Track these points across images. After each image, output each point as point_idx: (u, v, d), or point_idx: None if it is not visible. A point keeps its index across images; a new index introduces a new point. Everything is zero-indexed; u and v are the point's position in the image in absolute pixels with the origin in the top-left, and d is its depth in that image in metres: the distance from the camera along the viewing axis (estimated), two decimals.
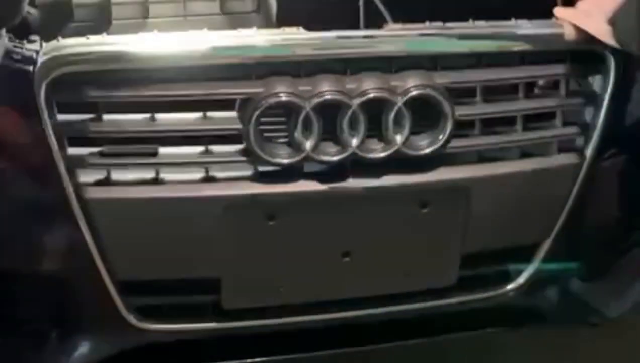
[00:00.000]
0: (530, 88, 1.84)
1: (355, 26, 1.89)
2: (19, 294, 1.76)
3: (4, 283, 1.73)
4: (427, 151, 1.75)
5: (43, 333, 1.79)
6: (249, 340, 1.86)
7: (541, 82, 1.86)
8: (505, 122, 1.84)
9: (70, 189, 1.67)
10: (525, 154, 1.84)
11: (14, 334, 1.77)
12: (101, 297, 1.74)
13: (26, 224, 1.71)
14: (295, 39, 1.71)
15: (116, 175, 1.70)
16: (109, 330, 1.78)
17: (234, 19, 2.25)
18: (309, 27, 1.72)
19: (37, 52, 1.64)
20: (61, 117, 1.66)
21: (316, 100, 1.68)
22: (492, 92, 1.80)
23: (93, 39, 1.67)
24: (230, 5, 2.20)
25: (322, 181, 1.74)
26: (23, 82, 1.63)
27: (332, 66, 1.71)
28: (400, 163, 1.76)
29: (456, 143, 1.77)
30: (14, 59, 1.63)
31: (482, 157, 1.83)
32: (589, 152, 1.87)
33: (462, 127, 1.78)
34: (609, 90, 1.83)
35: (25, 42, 1.65)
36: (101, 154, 1.69)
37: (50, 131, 1.65)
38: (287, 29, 1.72)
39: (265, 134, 1.71)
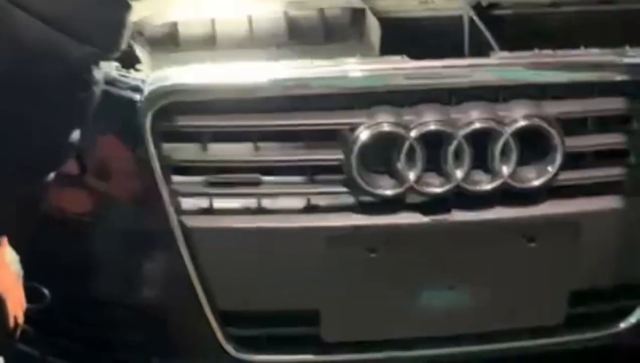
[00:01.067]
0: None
1: (461, 55, 1.85)
2: (121, 322, 1.77)
3: (108, 311, 1.75)
4: (536, 183, 1.70)
5: (144, 361, 1.79)
6: None
7: None
8: (617, 155, 1.77)
9: (173, 218, 1.68)
10: (636, 188, 1.77)
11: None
12: (201, 327, 1.73)
13: (130, 252, 1.72)
14: (399, 67, 1.68)
15: (219, 204, 1.70)
16: (208, 359, 1.77)
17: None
18: (413, 56, 1.69)
19: (144, 81, 1.65)
20: (166, 146, 1.67)
21: (420, 130, 1.65)
22: (603, 123, 1.74)
23: (197, 68, 1.67)
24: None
25: (425, 213, 1.70)
26: (129, 111, 1.65)
27: (436, 95, 1.68)
28: (506, 195, 1.72)
29: (566, 175, 1.71)
30: (121, 88, 1.65)
31: (592, 191, 1.76)
32: None
33: (572, 160, 1.72)
34: None
35: (132, 71, 1.67)
36: (204, 183, 1.69)
37: (155, 160, 1.65)
38: (391, 58, 1.69)
39: (368, 165, 1.68)
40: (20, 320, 1.33)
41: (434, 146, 1.68)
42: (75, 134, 1.51)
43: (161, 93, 1.65)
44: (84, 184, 1.70)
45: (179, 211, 1.68)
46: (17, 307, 1.32)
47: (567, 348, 1.87)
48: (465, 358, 1.83)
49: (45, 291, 1.56)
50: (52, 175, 1.28)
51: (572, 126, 1.72)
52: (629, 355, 1.92)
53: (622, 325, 1.85)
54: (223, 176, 1.69)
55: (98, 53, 1.19)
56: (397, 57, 1.69)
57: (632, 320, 1.85)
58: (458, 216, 1.71)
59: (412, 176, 1.67)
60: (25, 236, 1.36)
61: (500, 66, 1.71)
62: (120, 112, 1.66)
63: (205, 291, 1.71)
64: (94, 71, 1.29)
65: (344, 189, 1.69)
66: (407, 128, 1.66)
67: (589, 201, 1.75)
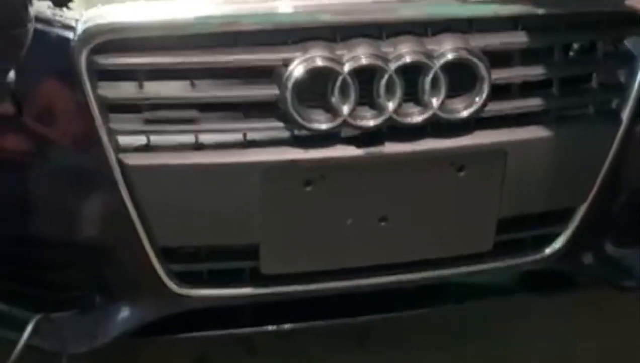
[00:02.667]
0: (566, 51, 1.84)
1: None
2: (62, 262, 1.79)
3: (49, 251, 1.76)
4: (464, 114, 1.75)
5: (85, 300, 1.81)
6: (286, 306, 1.87)
7: (576, 45, 1.85)
8: (542, 86, 1.83)
9: (112, 157, 1.69)
10: (561, 117, 1.84)
11: (58, 302, 1.79)
12: (142, 264, 1.76)
13: (69, 192, 1.73)
14: (331, 3, 1.71)
15: (156, 141, 1.72)
16: (149, 296, 1.80)
17: None
18: None
19: (77, 20, 1.65)
20: (102, 84, 1.67)
21: (353, 64, 1.69)
22: (529, 55, 1.80)
23: (131, 5, 1.68)
24: None
25: (358, 146, 1.74)
26: (64, 50, 1.64)
27: (368, 30, 1.72)
28: (437, 127, 1.77)
29: (493, 106, 1.77)
30: (55, 26, 1.64)
31: (519, 121, 1.82)
32: (625, 116, 1.86)
33: (499, 91, 1.78)
34: None
35: (65, 9, 1.66)
36: (141, 121, 1.70)
37: (91, 98, 1.66)
38: None
39: (302, 100, 1.72)
40: None
41: (366, 80, 1.72)
42: (11, 74, 1.50)
43: (95, 31, 1.65)
44: (21, 125, 1.69)
45: (117, 149, 1.70)
46: None
47: (495, 274, 1.94)
48: (397, 287, 1.89)
49: None
50: None
51: (498, 58, 1.77)
52: (555, 280, 2.01)
53: (548, 250, 1.94)
54: (160, 113, 1.71)
55: None
56: None
57: (556, 245, 1.94)
58: (390, 148, 1.75)
59: (345, 109, 1.71)
60: None
61: (428, 1, 1.75)
62: (54, 51, 1.66)
63: (145, 228, 1.73)
64: (29, 8, 1.29)
65: (280, 123, 1.72)
66: (340, 63, 1.69)
67: (515, 130, 1.81)
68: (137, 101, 1.70)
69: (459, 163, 1.79)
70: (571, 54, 1.86)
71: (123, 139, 1.71)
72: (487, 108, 1.77)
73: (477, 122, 1.79)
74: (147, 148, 1.72)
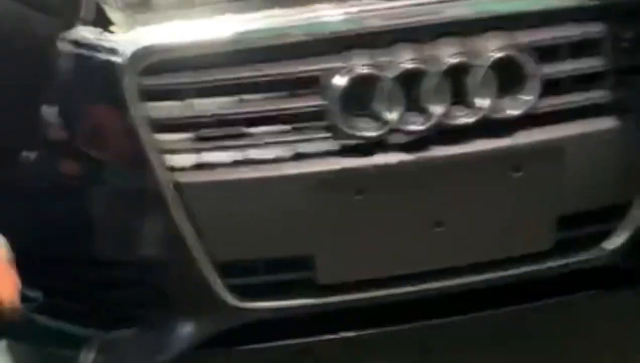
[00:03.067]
0: (618, 41, 1.79)
1: None
2: (121, 280, 1.81)
3: (108, 270, 1.79)
4: (516, 113, 1.72)
5: (148, 317, 1.83)
6: (345, 314, 1.86)
7: (629, 35, 1.80)
8: (596, 78, 1.79)
9: (164, 176, 1.70)
10: (617, 110, 1.79)
11: (119, 321, 1.82)
12: (200, 279, 1.77)
13: (126, 212, 1.75)
14: (370, 10, 1.70)
15: (208, 158, 1.72)
16: (208, 311, 1.81)
17: None
18: None
19: (120, 43, 1.67)
20: (151, 105, 1.69)
21: (397, 70, 1.67)
22: (579, 48, 1.75)
23: (175, 25, 1.69)
24: None
25: (408, 151, 1.73)
26: (110, 74, 1.67)
27: (411, 34, 1.70)
28: (489, 128, 1.74)
29: (546, 102, 1.74)
30: (99, 51, 1.66)
31: (574, 116, 1.78)
32: None
33: (552, 86, 1.74)
34: None
35: (106, 33, 1.68)
36: (191, 139, 1.71)
37: (140, 120, 1.68)
38: (360, 1, 1.71)
39: (349, 109, 1.71)
40: (17, 304, 1.33)
41: (413, 85, 1.70)
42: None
43: (143, 53, 1.67)
44: (75, 151, 1.72)
45: (170, 168, 1.71)
46: (11, 291, 1.32)
47: (558, 272, 1.90)
48: (459, 290, 1.86)
49: (36, 293, 1.58)
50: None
51: (547, 53, 1.73)
52: (616, 276, 1.95)
53: (610, 246, 1.89)
54: (209, 130, 1.72)
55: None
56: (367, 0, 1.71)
57: (619, 240, 1.89)
58: (441, 151, 1.73)
59: (393, 116, 1.70)
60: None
61: (471, 0, 1.72)
62: (102, 76, 1.68)
63: (201, 244, 1.75)
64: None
65: (328, 134, 1.72)
66: (384, 69, 1.68)
67: (570, 125, 1.77)
68: (187, 120, 1.72)
69: (514, 163, 1.76)
70: (623, 44, 1.80)
71: (175, 158, 1.72)
72: (540, 105, 1.74)
73: (531, 120, 1.75)
74: (199, 165, 1.73)
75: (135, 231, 1.77)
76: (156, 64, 1.68)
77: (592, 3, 1.74)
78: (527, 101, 1.73)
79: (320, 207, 1.74)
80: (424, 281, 1.83)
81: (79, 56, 1.52)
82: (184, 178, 1.72)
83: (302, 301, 1.83)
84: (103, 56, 1.67)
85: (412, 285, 1.82)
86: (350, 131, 1.71)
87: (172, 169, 1.72)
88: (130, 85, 1.67)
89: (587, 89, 1.78)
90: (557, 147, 1.77)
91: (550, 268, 1.86)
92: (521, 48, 1.70)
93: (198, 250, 1.76)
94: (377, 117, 1.71)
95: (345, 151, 1.73)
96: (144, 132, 1.69)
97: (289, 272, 1.82)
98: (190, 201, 1.73)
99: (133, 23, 1.70)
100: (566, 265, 1.87)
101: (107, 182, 1.75)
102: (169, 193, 1.72)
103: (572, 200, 1.81)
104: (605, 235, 1.88)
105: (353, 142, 1.72)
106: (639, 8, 1.77)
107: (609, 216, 1.87)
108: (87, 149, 1.73)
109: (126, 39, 1.68)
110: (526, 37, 1.71)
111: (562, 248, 1.85)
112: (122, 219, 1.76)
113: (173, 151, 1.72)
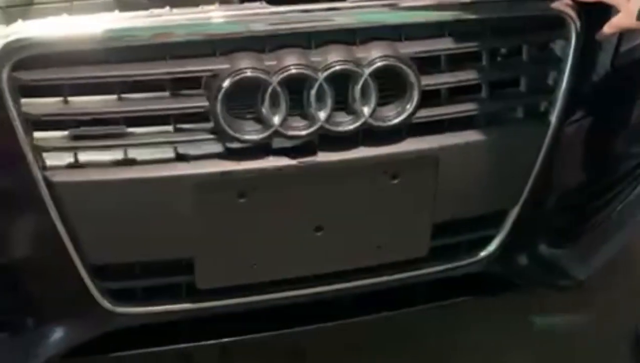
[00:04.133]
0: (494, 56, 1.85)
1: None
2: None
3: None
4: (395, 121, 1.76)
5: (17, 322, 1.77)
6: (224, 320, 1.85)
7: (504, 49, 1.87)
8: (471, 91, 1.85)
9: (38, 174, 1.65)
10: (491, 122, 1.86)
11: None
12: (74, 283, 1.72)
13: None
14: (258, 13, 1.70)
15: (84, 157, 1.68)
16: (83, 315, 1.77)
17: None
18: (271, 1, 1.71)
19: None
20: (25, 101, 1.64)
21: (282, 74, 1.68)
22: (457, 61, 1.81)
23: (53, 20, 1.64)
24: None
25: (291, 156, 1.73)
26: None
27: (296, 39, 1.71)
28: (369, 135, 1.77)
29: (423, 112, 1.78)
30: None
31: (450, 126, 1.83)
32: (553, 118, 1.88)
33: (429, 97, 1.79)
34: (571, 55, 1.85)
35: None
36: (68, 137, 1.67)
37: (15, 116, 1.62)
38: (249, 4, 1.71)
39: (233, 111, 1.70)
40: None
41: (297, 90, 1.71)
42: None
43: (16, 47, 1.61)
44: None
45: (43, 167, 1.66)
46: None
47: (432, 279, 1.95)
48: (335, 296, 1.89)
49: None
50: None
51: (427, 64, 1.78)
52: (490, 283, 2.02)
53: (483, 254, 1.96)
54: (87, 128, 1.68)
55: None
56: (256, 3, 1.71)
57: (491, 248, 1.96)
58: (323, 157, 1.74)
59: (276, 120, 1.70)
60: None
61: (356, 9, 1.75)
62: None
63: (76, 246, 1.70)
64: None
65: (211, 136, 1.71)
66: (270, 73, 1.68)
67: (446, 136, 1.82)
68: (62, 118, 1.67)
69: (392, 170, 1.79)
70: (499, 58, 1.87)
71: (50, 156, 1.67)
72: (417, 115, 1.77)
73: (408, 129, 1.79)
74: (75, 165, 1.68)
75: (7, 231, 1.70)
76: (30, 58, 1.62)
77: (469, 18, 1.79)
78: (406, 109, 1.76)
79: (201, 210, 1.72)
80: (304, 287, 1.84)
81: None
82: (59, 177, 1.67)
83: (179, 306, 1.81)
84: None
85: (292, 290, 1.83)
86: (234, 134, 1.70)
87: (48, 168, 1.67)
88: (3, 80, 1.61)
89: (462, 101, 1.84)
90: (432, 156, 1.81)
91: (425, 274, 1.90)
92: (402, 58, 1.73)
93: (71, 252, 1.71)
94: (260, 121, 1.71)
95: (228, 154, 1.72)
96: (19, 128, 1.63)
97: (167, 276, 1.79)
98: (65, 202, 1.68)
99: (10, 20, 1.64)
100: (442, 271, 1.91)
101: None
102: (43, 193, 1.66)
103: (446, 208, 1.86)
104: (484, 243, 1.94)
105: (236, 145, 1.72)
106: (512, 24, 1.84)
107: (484, 225, 1.93)
108: None
109: (1, 32, 1.62)
110: (407, 48, 1.75)
111: (437, 255, 1.90)
112: None
113: (48, 149, 1.67)
